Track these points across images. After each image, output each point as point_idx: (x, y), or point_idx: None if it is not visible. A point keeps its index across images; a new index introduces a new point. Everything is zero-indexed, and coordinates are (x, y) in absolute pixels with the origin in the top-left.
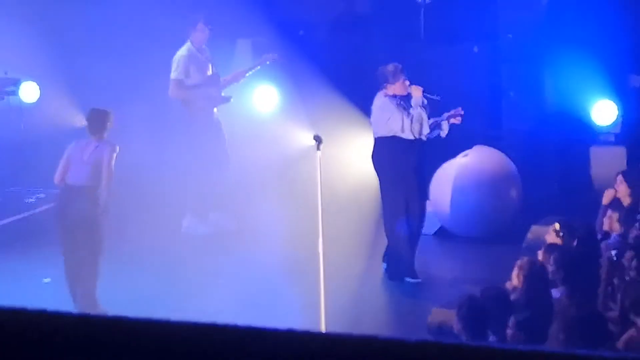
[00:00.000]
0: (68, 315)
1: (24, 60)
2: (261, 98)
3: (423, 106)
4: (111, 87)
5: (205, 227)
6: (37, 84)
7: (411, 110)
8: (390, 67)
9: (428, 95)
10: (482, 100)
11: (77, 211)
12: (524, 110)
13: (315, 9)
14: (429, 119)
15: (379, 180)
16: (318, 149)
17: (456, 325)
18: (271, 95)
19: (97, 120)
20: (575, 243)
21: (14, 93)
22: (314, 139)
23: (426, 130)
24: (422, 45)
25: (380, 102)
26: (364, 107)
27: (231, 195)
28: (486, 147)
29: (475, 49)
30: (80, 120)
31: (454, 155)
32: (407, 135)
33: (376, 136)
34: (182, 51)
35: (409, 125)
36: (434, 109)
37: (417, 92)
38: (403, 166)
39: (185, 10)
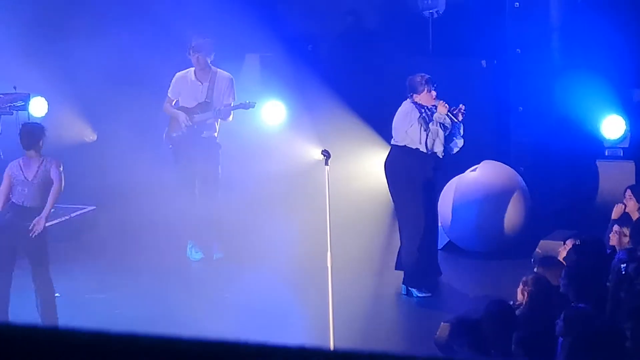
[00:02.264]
0: (72, 330)
1: (33, 75)
2: (269, 113)
3: (444, 124)
4: (119, 103)
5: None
6: (46, 99)
7: (430, 125)
8: (418, 77)
9: (451, 115)
10: (490, 114)
11: (24, 228)
12: (532, 125)
13: (323, 24)
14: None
15: (389, 188)
16: (326, 163)
17: (456, 347)
18: (279, 111)
19: (31, 135)
20: (585, 258)
21: (23, 108)
22: (322, 153)
23: (439, 148)
24: (430, 59)
25: (404, 109)
26: (372, 122)
27: (237, 210)
28: (494, 161)
29: (484, 64)
30: (88, 135)
31: (462, 170)
32: (422, 148)
33: (394, 143)
34: (182, 73)
35: (425, 138)
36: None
37: (442, 109)
38: (415, 178)
39: (195, 27)
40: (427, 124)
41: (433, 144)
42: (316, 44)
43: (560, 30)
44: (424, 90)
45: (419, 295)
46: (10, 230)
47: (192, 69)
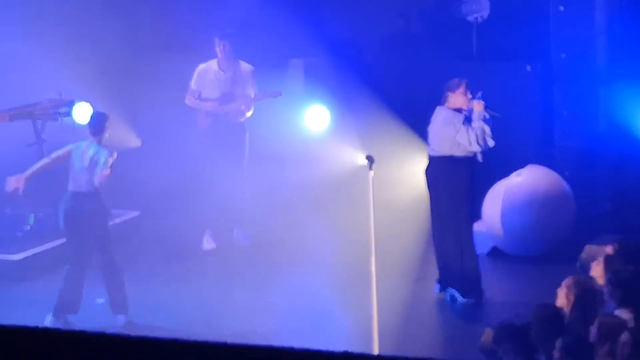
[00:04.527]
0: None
1: (79, 82)
2: (313, 118)
3: (485, 120)
4: (164, 109)
5: (212, 243)
6: (91, 105)
7: (473, 124)
8: (455, 79)
9: (490, 110)
10: (535, 119)
11: (84, 215)
12: (577, 129)
13: (367, 29)
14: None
15: (430, 196)
16: (370, 168)
17: (505, 353)
18: (323, 115)
19: (97, 122)
20: (633, 262)
21: (68, 114)
22: (366, 158)
23: (491, 142)
24: (474, 64)
25: (444, 117)
26: (417, 127)
27: (282, 214)
28: (539, 166)
29: (528, 68)
30: (132, 141)
31: (507, 174)
32: (475, 148)
33: (435, 154)
34: (204, 64)
35: (475, 139)
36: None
37: (479, 107)
38: (459, 186)
39: (240, 32)
40: (471, 124)
41: (485, 141)
42: (360, 49)
43: (605, 34)
44: (459, 87)
45: (463, 301)
46: (73, 218)
47: (215, 60)
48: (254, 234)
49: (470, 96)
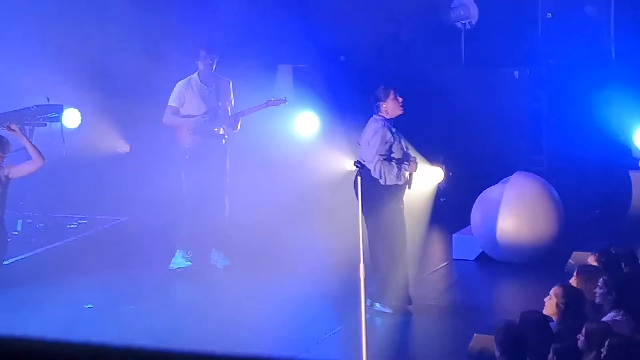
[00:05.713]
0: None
1: (66, 86)
2: (302, 124)
3: (401, 172)
4: (151, 114)
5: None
6: (79, 111)
7: (392, 162)
8: (381, 87)
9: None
10: (523, 125)
11: None
12: (565, 136)
13: (356, 36)
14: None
15: (364, 209)
16: (359, 174)
17: (496, 351)
18: (312, 122)
19: None
20: (619, 268)
21: (57, 119)
22: (355, 164)
23: (391, 182)
24: (462, 70)
25: (372, 129)
26: (406, 133)
27: (269, 220)
28: (527, 173)
29: (516, 74)
30: (121, 147)
31: (495, 181)
32: (375, 174)
33: (360, 165)
34: (184, 80)
35: (380, 170)
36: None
37: (414, 167)
38: (384, 198)
39: (228, 39)
40: (390, 160)
41: (388, 177)
42: (349, 55)
43: (593, 41)
44: (389, 95)
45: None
46: None
47: (194, 75)
48: (244, 239)
49: (400, 99)
